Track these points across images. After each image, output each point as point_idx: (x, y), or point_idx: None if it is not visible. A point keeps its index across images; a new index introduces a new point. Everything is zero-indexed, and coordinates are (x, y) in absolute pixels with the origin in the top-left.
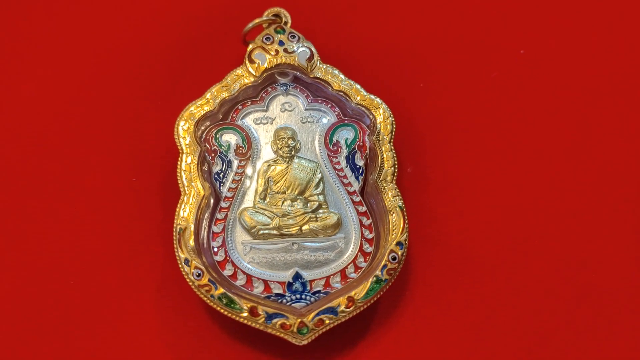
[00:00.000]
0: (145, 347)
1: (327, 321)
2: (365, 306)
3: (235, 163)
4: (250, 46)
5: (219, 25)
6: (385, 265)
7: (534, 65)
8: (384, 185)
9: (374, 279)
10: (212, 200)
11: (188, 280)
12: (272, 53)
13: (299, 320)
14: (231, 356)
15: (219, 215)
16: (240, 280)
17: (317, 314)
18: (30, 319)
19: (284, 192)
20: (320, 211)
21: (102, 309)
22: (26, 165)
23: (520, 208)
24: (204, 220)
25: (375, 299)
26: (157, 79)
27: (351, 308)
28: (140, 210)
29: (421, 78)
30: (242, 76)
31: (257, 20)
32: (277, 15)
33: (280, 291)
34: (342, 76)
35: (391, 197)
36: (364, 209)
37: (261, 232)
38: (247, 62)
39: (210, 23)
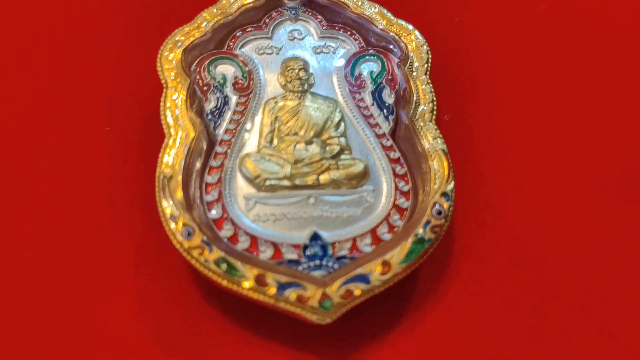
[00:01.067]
0: (125, 325)
1: (358, 292)
2: (405, 273)
3: (234, 99)
4: None
5: None
6: (428, 222)
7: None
8: (421, 125)
9: (415, 238)
10: (204, 144)
11: (174, 240)
12: None
13: (320, 291)
14: (229, 341)
15: (213, 163)
16: (243, 243)
17: (344, 283)
18: (6, 283)
19: (295, 134)
20: (343, 157)
21: (77, 281)
22: None
23: (578, 163)
24: (195, 169)
25: (417, 263)
26: (140, 7)
27: (388, 275)
28: (117, 157)
29: (456, 9)
30: None
31: None
32: None
33: (295, 256)
34: None
35: (431, 140)
36: (397, 154)
37: (268, 182)
38: None
39: None
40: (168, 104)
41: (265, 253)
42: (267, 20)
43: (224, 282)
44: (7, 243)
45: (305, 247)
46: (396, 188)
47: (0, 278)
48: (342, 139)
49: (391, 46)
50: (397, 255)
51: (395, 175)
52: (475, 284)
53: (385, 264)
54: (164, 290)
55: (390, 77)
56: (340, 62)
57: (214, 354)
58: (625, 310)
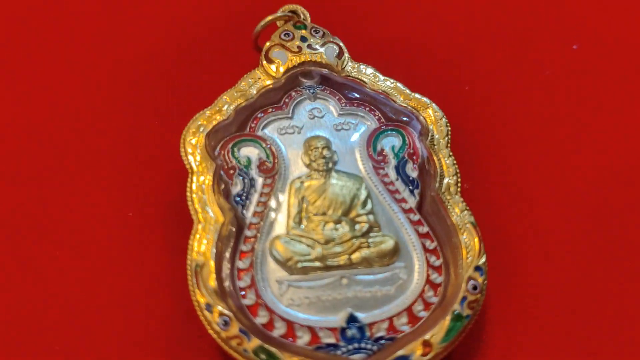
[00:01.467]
0: None
1: None
2: (446, 352)
3: (260, 181)
4: (267, 44)
5: (225, 32)
6: (464, 298)
7: (588, 60)
8: (448, 198)
9: (453, 315)
10: (233, 229)
11: (211, 331)
12: (294, 50)
13: None
14: None
15: (244, 247)
16: (279, 329)
17: None
18: None
19: (323, 214)
20: (372, 234)
21: None
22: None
23: (605, 215)
24: (226, 255)
25: (457, 341)
26: (159, 91)
27: (429, 355)
28: (142, 246)
29: (466, 78)
30: (260, 79)
31: (270, 17)
32: (293, 12)
33: (332, 340)
34: (379, 74)
35: (459, 212)
36: (426, 229)
37: (300, 264)
38: (264, 62)
39: (215, 29)
40: (194, 189)
41: (303, 339)
42: (286, 100)
43: None
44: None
45: (343, 330)
46: (428, 263)
47: None
48: (371, 216)
49: (410, 120)
50: (437, 335)
51: (426, 250)
52: (511, 356)
53: (426, 344)
54: None
55: (412, 150)
56: (362, 139)
57: None
58: None
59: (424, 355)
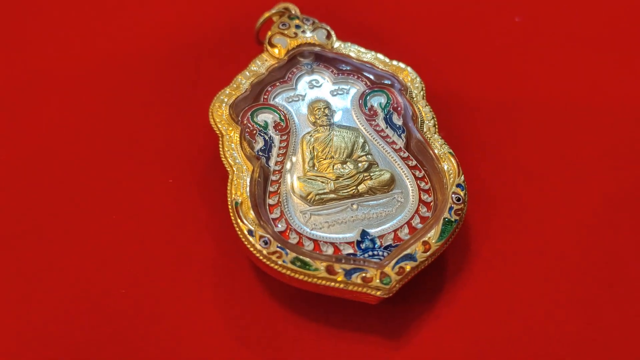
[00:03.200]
0: (207, 327)
1: (408, 267)
2: (442, 249)
3: (277, 138)
4: (269, 33)
5: (229, 32)
6: (451, 207)
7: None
8: (429, 137)
9: (444, 221)
10: (260, 175)
11: (254, 250)
12: (292, 36)
13: (379, 271)
14: (307, 328)
15: (271, 189)
16: (308, 246)
17: (397, 263)
18: (94, 300)
19: (331, 157)
20: (373, 170)
21: (160, 297)
22: (66, 164)
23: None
24: (257, 194)
25: (449, 240)
26: (180, 78)
27: (429, 251)
28: (184, 199)
29: (431, 51)
30: (267, 60)
31: (267, 13)
32: (286, 8)
33: (351, 251)
34: (362, 49)
35: (439, 146)
36: (414, 162)
37: (318, 197)
38: (268, 47)
39: (221, 30)
40: (226, 149)
41: (327, 251)
42: (290, 76)
43: (301, 277)
44: (93, 276)
45: (358, 243)
46: (419, 188)
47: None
48: (369, 156)
49: (391, 82)
50: (433, 236)
51: (416, 178)
52: (495, 259)
53: (426, 243)
54: (241, 301)
55: (395, 105)
56: (354, 99)
57: (289, 345)
58: None
59: (424, 252)
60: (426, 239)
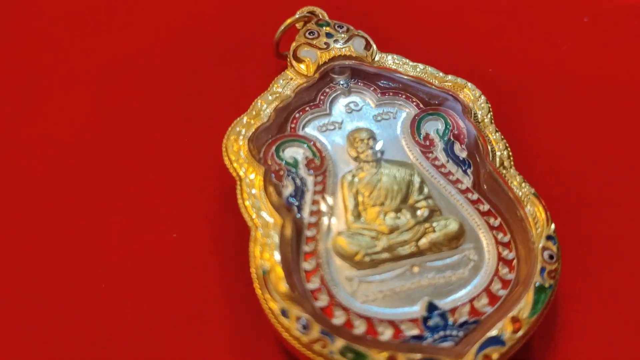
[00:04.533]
0: None
1: (495, 355)
2: (536, 325)
3: (310, 180)
4: (294, 44)
5: (237, 45)
6: (543, 268)
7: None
8: (504, 173)
9: (536, 287)
10: (292, 231)
11: (289, 337)
12: (322, 47)
13: None
14: None
15: (306, 248)
16: (359, 328)
17: (480, 349)
18: None
19: (381, 204)
20: (435, 219)
21: None
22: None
23: None
24: (288, 257)
25: (544, 313)
26: (184, 104)
27: (520, 331)
28: (191, 261)
29: (489, 59)
30: (292, 79)
31: (290, 20)
32: (312, 12)
33: (416, 332)
34: (408, 61)
35: (518, 185)
36: (487, 207)
37: (367, 258)
38: (293, 62)
39: (233, 42)
40: (246, 197)
41: (385, 334)
42: (322, 98)
43: None
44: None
45: (425, 320)
46: (496, 240)
47: None
48: (430, 201)
49: (449, 102)
50: (524, 309)
51: (491, 227)
52: (591, 333)
53: (515, 320)
54: None
55: (456, 131)
56: (404, 126)
57: None
58: None
59: (515, 332)
60: (515, 313)
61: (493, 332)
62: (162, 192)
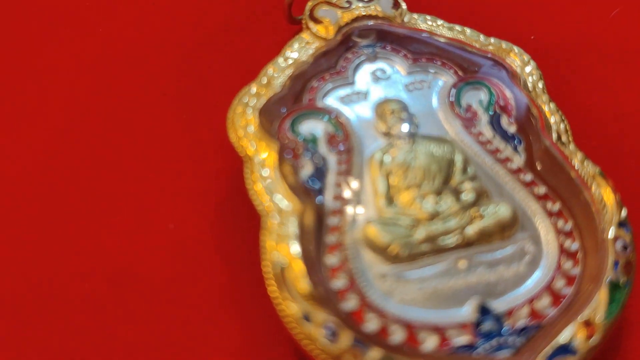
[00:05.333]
0: None
1: None
2: (612, 329)
3: (332, 160)
4: (310, 3)
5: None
6: (616, 262)
7: None
8: (562, 149)
9: (609, 284)
10: (313, 219)
11: (312, 347)
12: (343, 5)
13: None
14: None
15: (331, 239)
16: (397, 335)
17: (548, 359)
18: None
19: (418, 187)
20: (483, 203)
21: None
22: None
23: None
24: (309, 250)
25: (620, 314)
26: (185, 75)
27: (596, 337)
28: (189, 255)
29: (532, 25)
30: (308, 43)
31: None
32: None
33: (466, 340)
34: (444, 22)
35: (579, 163)
36: (543, 189)
37: (404, 250)
38: (309, 23)
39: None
40: (256, 179)
41: (428, 342)
42: (344, 64)
43: None
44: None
45: (476, 325)
46: (556, 229)
47: None
48: (476, 182)
49: (493, 68)
50: (596, 311)
51: (549, 214)
52: None
53: (588, 325)
54: None
55: (503, 103)
56: (441, 96)
57: None
58: None
59: (588, 338)
60: (586, 315)
61: (561, 339)
62: (160, 176)
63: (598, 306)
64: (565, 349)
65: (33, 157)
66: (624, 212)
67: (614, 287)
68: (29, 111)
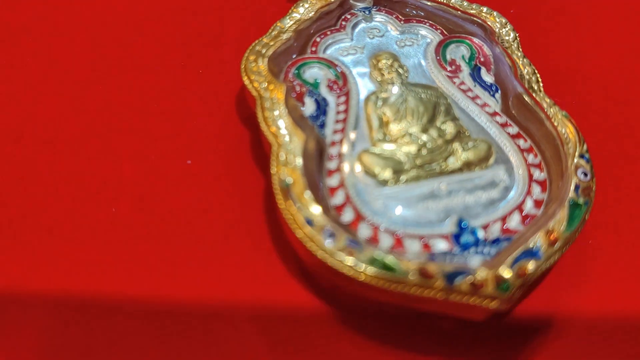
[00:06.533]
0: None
1: (531, 266)
2: (572, 240)
3: (332, 101)
4: None
5: None
6: (577, 186)
7: None
8: (534, 95)
9: (570, 203)
10: (314, 147)
11: (313, 246)
12: None
13: (492, 272)
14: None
15: (331, 165)
16: (385, 242)
17: (515, 260)
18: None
19: (407, 124)
20: (463, 139)
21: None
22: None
23: None
24: (312, 173)
25: (580, 230)
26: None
27: (557, 244)
28: (206, 187)
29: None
30: (313, 4)
31: None
32: None
33: (446, 247)
34: None
35: (547, 107)
36: (516, 129)
37: (394, 175)
38: None
39: None
40: (267, 114)
41: (413, 247)
42: (343, 23)
43: (382, 284)
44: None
45: (456, 236)
46: (527, 162)
47: None
48: (457, 122)
49: (475, 29)
50: (558, 224)
51: (522, 149)
52: (626, 254)
53: (550, 233)
54: (290, 324)
55: (482, 58)
56: (429, 52)
57: None
58: None
59: (550, 245)
60: (550, 227)
61: (527, 245)
62: (174, 120)
63: (561, 220)
64: (530, 252)
65: (68, 97)
66: (584, 146)
67: (574, 205)
68: (60, 56)
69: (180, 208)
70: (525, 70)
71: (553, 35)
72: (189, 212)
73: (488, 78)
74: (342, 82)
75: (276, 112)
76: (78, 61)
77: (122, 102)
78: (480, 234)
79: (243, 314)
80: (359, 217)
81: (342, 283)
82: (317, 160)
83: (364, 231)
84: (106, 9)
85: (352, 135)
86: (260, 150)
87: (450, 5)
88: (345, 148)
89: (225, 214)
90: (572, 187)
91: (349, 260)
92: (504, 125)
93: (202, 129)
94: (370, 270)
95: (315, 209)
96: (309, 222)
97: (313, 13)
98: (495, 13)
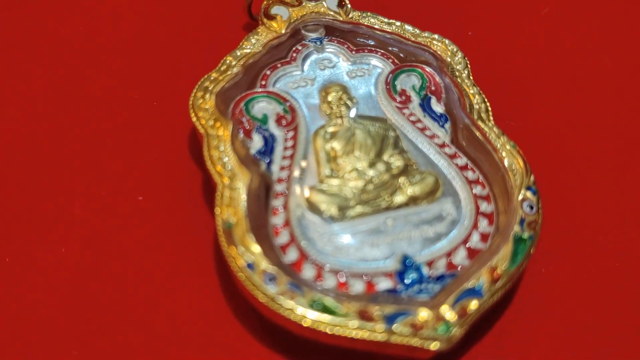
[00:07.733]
0: None
1: (473, 306)
2: (515, 276)
3: (281, 136)
4: (265, 2)
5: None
6: (522, 219)
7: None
8: (482, 126)
9: (515, 238)
10: (259, 185)
11: (256, 291)
12: (294, 3)
13: (433, 313)
14: None
15: (275, 203)
16: (329, 281)
17: (457, 300)
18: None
19: (355, 158)
20: (411, 172)
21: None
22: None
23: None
24: (256, 212)
25: (524, 265)
26: (152, 64)
27: (499, 282)
28: (156, 223)
29: (470, 22)
30: (262, 36)
31: None
32: None
33: (390, 285)
34: (384, 19)
35: (495, 138)
36: (464, 160)
37: (341, 212)
38: (264, 20)
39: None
40: (213, 152)
41: (356, 286)
42: (294, 55)
43: (323, 327)
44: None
45: (400, 274)
46: (474, 195)
47: None
48: (405, 155)
49: (426, 57)
50: (502, 260)
51: (469, 181)
52: (574, 285)
53: (493, 271)
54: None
55: (433, 87)
56: (379, 82)
57: None
58: None
59: (493, 283)
60: (493, 264)
61: (470, 283)
62: (126, 157)
63: (504, 256)
64: (472, 291)
65: (16, 132)
66: (531, 178)
67: (518, 240)
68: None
69: (129, 246)
70: (475, 100)
71: (511, 57)
72: (139, 249)
73: (438, 108)
74: (290, 116)
75: (222, 150)
76: (27, 93)
77: (72, 136)
78: (425, 271)
79: (190, 355)
80: (303, 257)
81: (289, 325)
82: (262, 198)
83: (308, 271)
84: (60, 40)
85: (299, 172)
86: (210, 187)
87: (402, 35)
88: (291, 185)
89: (175, 252)
90: (517, 221)
91: (290, 304)
92: (452, 157)
93: (155, 164)
94: (311, 314)
95: (257, 251)
96: (250, 266)
97: (262, 46)
98: (446, 41)
